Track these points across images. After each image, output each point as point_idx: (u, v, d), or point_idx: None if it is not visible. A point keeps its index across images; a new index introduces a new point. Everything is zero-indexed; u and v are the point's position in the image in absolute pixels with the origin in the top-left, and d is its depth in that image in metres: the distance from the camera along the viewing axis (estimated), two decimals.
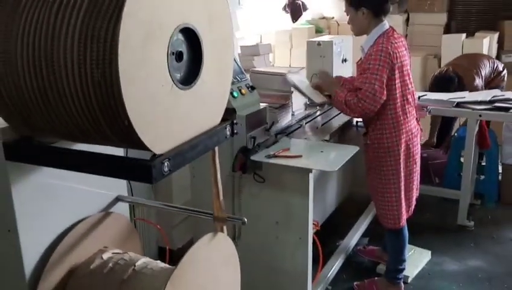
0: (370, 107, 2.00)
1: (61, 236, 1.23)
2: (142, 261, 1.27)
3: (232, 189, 1.99)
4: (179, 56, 1.03)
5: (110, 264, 1.24)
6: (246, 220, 1.28)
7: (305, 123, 2.41)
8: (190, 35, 1.05)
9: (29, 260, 1.17)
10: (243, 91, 2.04)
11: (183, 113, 1.04)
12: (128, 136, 0.91)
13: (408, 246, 2.37)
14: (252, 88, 2.10)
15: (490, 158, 3.42)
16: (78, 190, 1.29)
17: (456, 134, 3.58)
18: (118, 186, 1.43)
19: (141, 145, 0.93)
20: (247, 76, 2.17)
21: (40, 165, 1.14)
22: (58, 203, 1.24)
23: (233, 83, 2.01)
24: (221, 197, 1.28)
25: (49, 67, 0.92)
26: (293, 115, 2.47)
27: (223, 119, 1.23)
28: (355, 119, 2.60)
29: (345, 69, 2.88)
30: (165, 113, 0.98)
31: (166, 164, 0.98)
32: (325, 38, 2.99)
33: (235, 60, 2.15)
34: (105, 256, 1.25)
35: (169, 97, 0.99)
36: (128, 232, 1.41)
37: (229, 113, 1.27)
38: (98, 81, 0.87)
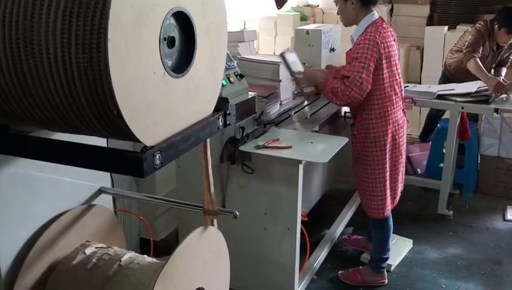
0: (356, 96, 1.98)
1: (41, 230, 1.16)
2: (128, 256, 1.21)
3: (220, 180, 1.94)
4: (171, 42, 0.96)
5: (94, 260, 1.18)
6: (237, 213, 1.24)
7: (294, 113, 2.37)
8: (182, 20, 0.99)
9: (6, 256, 1.10)
10: (231, 79, 1.98)
11: (176, 103, 0.98)
12: (117, 127, 0.84)
13: (391, 235, 2.39)
14: (241, 76, 2.04)
15: (470, 149, 3.48)
16: (59, 182, 1.21)
17: (438, 125, 3.63)
18: (102, 178, 1.36)
19: (131, 137, 0.87)
20: (235, 63, 2.11)
21: (17, 156, 1.06)
22: (37, 195, 1.16)
23: None
24: (212, 190, 1.23)
25: (28, 50, 0.84)
26: (281, 104, 2.43)
27: (215, 109, 1.17)
28: (343, 110, 2.58)
29: (333, 59, 2.84)
30: (157, 103, 0.92)
31: (158, 156, 0.92)
32: (312, 26, 2.94)
33: None
34: (88, 251, 1.19)
35: (161, 85, 0.92)
36: (112, 225, 1.35)
37: (222, 103, 1.21)
38: (84, 68, 0.80)
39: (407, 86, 3.18)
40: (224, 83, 1.92)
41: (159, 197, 1.48)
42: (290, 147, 1.83)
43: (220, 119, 1.16)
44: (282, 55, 2.30)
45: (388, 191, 2.20)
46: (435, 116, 3.90)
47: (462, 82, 3.22)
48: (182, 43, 1.00)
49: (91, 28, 0.79)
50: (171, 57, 0.97)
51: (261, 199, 1.93)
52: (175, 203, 1.38)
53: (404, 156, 2.26)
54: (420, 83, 5.23)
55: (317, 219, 2.79)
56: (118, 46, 0.79)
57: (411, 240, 2.77)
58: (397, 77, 2.11)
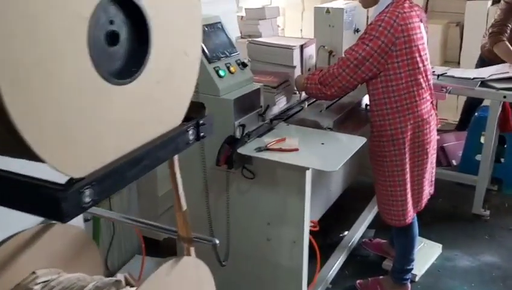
0: (349, 79, 1.76)
1: None
2: (92, 286, 1.04)
3: (218, 184, 1.74)
4: (111, 37, 0.74)
5: None
6: (217, 242, 1.03)
7: (307, 105, 2.11)
8: (132, 10, 0.76)
9: None
10: (231, 69, 1.74)
11: (120, 117, 0.76)
12: (25, 152, 0.63)
13: (418, 239, 2.13)
14: (244, 65, 1.80)
15: None
16: None
17: (476, 114, 3.25)
18: None
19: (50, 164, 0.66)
20: (239, 50, 1.86)
21: None
22: None
23: (219, 59, 1.71)
24: (184, 208, 1.03)
25: None
26: (295, 94, 2.17)
27: (187, 118, 0.95)
28: (364, 101, 2.28)
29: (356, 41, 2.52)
30: (87, 119, 0.70)
31: (87, 192, 0.70)
32: (336, 4, 2.62)
33: (223, 29, 1.83)
34: (39, 280, 1.02)
35: (94, 97, 0.71)
36: (81, 246, 1.17)
37: (196, 109, 0.99)
38: None
39: (447, 72, 2.80)
40: (223, 74, 1.68)
41: (132, 218, 1.29)
42: (296, 149, 1.59)
43: (191, 132, 0.94)
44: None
45: (409, 196, 1.93)
46: (472, 104, 3.49)
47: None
48: (130, 36, 0.77)
49: None
50: (113, 57, 0.75)
51: (263, 206, 1.72)
52: (149, 225, 1.19)
53: (432, 156, 1.97)
54: (459, 63, 4.78)
55: (338, 217, 2.56)
56: (8, 36, 0.58)
57: (440, 245, 2.49)
58: (420, 65, 1.80)
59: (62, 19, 0.65)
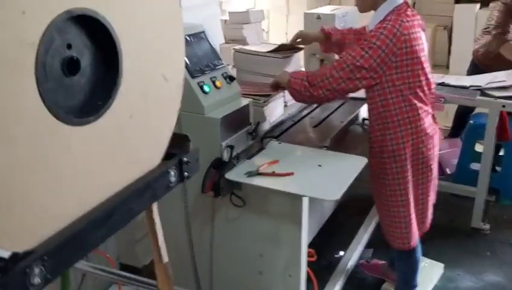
0: (341, 83, 1.60)
1: None
2: None
3: (206, 210, 1.56)
4: (69, 66, 0.57)
5: None
6: None
7: (300, 119, 1.95)
8: (98, 31, 0.59)
9: None
10: (217, 83, 1.56)
11: (82, 167, 0.59)
12: None
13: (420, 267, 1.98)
14: (231, 78, 1.62)
15: (509, 150, 3.00)
16: None
17: (471, 121, 3.14)
18: None
19: None
20: (225, 63, 1.68)
21: None
22: None
23: (204, 73, 1.54)
24: (165, 259, 0.85)
25: None
26: (285, 106, 2.01)
27: (169, 154, 0.77)
28: (361, 116, 2.13)
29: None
30: (37, 175, 0.52)
31: (36, 270, 0.52)
32: (326, 9, 2.47)
33: (207, 39, 1.65)
34: None
35: (44, 144, 0.53)
36: None
37: (179, 142, 0.81)
38: None
39: (442, 80, 2.67)
40: (208, 90, 1.51)
41: (107, 269, 1.11)
42: (291, 173, 1.42)
43: (172, 173, 0.76)
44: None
45: (414, 216, 1.78)
46: (465, 110, 3.39)
47: (493, 71, 2.72)
48: (96, 65, 0.60)
49: None
50: (72, 91, 0.57)
51: (255, 236, 1.54)
52: (125, 278, 1.00)
53: (435, 172, 1.82)
54: (448, 67, 4.72)
55: (332, 234, 2.39)
56: None
57: (442, 265, 2.35)
58: (422, 78, 1.66)
59: (19, 59, 0.47)
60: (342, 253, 2.37)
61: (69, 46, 0.58)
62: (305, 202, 1.41)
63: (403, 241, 1.82)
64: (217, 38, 2.62)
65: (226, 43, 2.71)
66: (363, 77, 1.59)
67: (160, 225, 0.83)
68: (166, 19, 0.71)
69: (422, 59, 1.65)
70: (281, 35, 4.02)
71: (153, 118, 0.72)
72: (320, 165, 1.49)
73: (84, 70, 0.61)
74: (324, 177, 1.43)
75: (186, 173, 0.78)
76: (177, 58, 0.77)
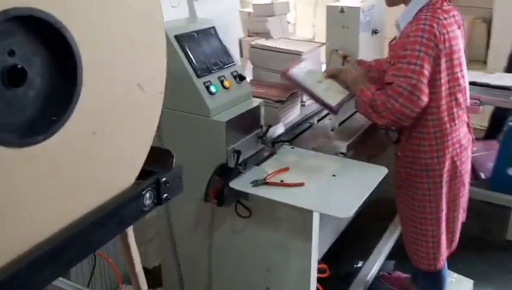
0: (405, 111, 1.39)
1: None
2: None
3: (206, 220, 1.46)
4: (10, 76, 0.48)
5: None
6: None
7: (317, 121, 1.81)
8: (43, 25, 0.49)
9: None
10: (226, 83, 1.45)
11: (26, 192, 0.50)
12: None
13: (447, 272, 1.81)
14: (241, 78, 1.51)
15: None
16: None
17: (510, 122, 2.90)
18: None
19: None
20: (237, 60, 1.57)
21: None
22: None
23: (211, 72, 1.43)
24: (144, 289, 0.75)
25: None
26: (303, 106, 1.88)
27: (146, 172, 0.67)
28: None
29: (374, 45, 2.21)
30: None
31: None
32: (349, 2, 2.31)
33: (217, 35, 1.54)
34: None
35: None
36: None
37: (161, 156, 0.71)
38: None
39: (479, 79, 2.44)
40: (215, 90, 1.40)
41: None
42: (302, 183, 1.30)
43: (147, 196, 0.66)
44: (285, 75, 1.65)
45: (444, 236, 1.62)
46: (502, 113, 3.11)
47: None
48: (48, 74, 0.51)
49: None
50: (18, 106, 0.48)
51: (262, 249, 1.43)
52: None
53: (467, 187, 1.65)
54: (485, 62, 4.43)
55: (352, 241, 2.25)
56: None
57: (471, 281, 2.17)
58: (461, 81, 1.49)
59: None
60: (360, 263, 2.22)
61: (11, 53, 0.49)
62: (316, 216, 1.29)
63: (429, 263, 1.66)
64: (235, 32, 2.51)
65: (249, 35, 2.60)
66: (422, 91, 1.39)
67: (136, 249, 0.74)
68: (141, 19, 0.61)
69: (461, 60, 1.48)
70: (308, 28, 3.86)
71: (124, 133, 0.62)
72: (334, 175, 1.36)
73: (32, 81, 0.51)
74: (337, 190, 1.29)
75: (165, 195, 0.68)
76: (156, 64, 0.66)
